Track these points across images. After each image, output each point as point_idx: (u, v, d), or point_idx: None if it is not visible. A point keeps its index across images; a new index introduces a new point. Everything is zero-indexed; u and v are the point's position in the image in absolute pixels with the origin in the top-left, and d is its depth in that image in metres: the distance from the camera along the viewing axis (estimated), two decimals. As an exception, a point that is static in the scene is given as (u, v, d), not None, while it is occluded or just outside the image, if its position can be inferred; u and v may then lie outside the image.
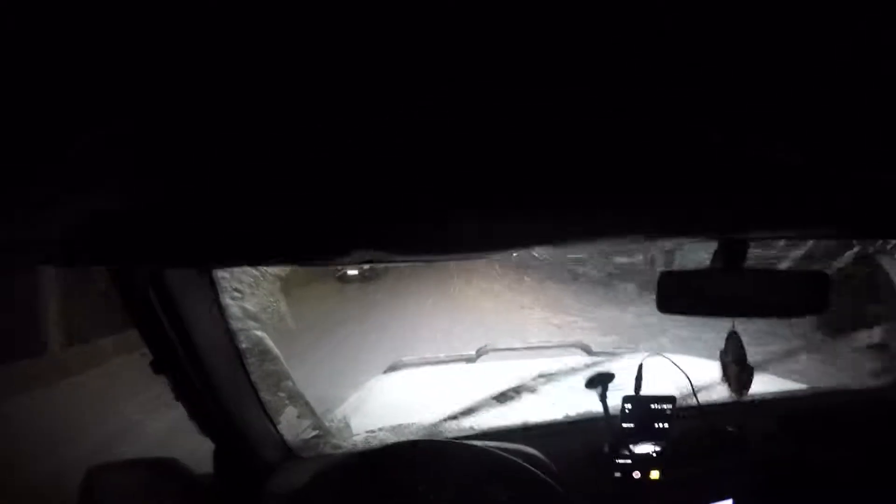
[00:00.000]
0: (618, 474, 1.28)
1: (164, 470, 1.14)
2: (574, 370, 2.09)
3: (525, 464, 1.14)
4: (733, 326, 1.32)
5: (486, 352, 2.30)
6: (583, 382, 1.88)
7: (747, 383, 1.32)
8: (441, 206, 0.46)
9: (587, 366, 2.05)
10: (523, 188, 0.46)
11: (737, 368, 1.31)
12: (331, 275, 14.95)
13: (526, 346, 2.41)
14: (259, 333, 1.16)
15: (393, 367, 2.29)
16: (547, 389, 1.90)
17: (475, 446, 1.19)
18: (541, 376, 2.10)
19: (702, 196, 0.90)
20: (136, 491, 1.11)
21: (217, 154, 0.37)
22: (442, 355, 2.33)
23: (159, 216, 0.47)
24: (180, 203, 0.45)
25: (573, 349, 2.38)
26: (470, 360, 2.28)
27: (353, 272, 14.67)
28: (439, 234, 0.54)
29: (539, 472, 1.13)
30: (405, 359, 2.31)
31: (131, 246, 0.55)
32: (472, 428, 1.48)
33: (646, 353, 1.46)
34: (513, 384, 1.99)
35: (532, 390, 1.88)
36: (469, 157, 0.40)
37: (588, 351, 2.35)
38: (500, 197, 0.47)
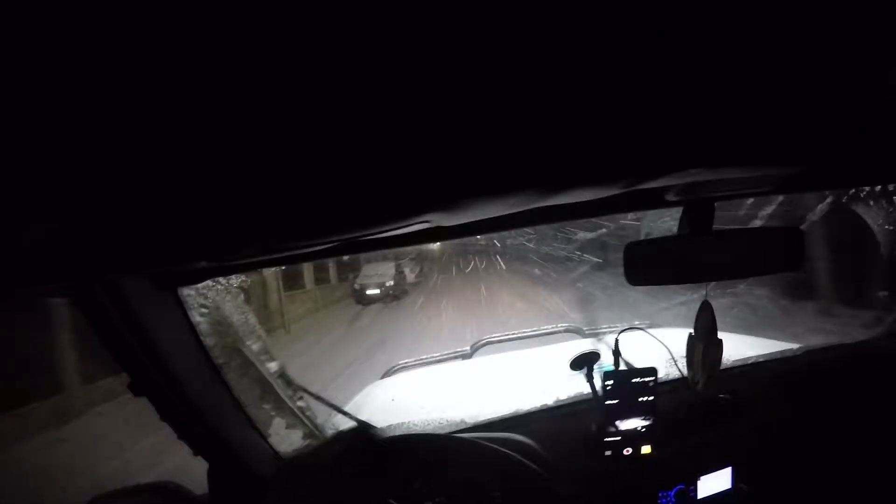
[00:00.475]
0: (608, 452, 1.28)
1: (163, 494, 1.15)
2: (568, 355, 2.09)
3: (510, 452, 1.14)
4: (706, 296, 1.31)
5: (481, 345, 2.30)
6: (563, 368, 1.89)
7: (717, 361, 1.31)
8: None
9: (581, 348, 2.05)
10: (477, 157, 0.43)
11: (703, 345, 1.29)
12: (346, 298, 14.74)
13: (519, 335, 2.40)
14: (233, 345, 1.16)
15: (389, 372, 2.29)
16: (541, 377, 1.90)
17: (459, 437, 1.19)
18: (535, 364, 2.10)
19: (659, 159, 0.89)
20: None
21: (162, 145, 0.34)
22: (437, 355, 2.33)
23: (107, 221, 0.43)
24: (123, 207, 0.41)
25: (567, 333, 2.38)
26: (466, 356, 2.28)
27: (373, 291, 14.00)
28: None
29: (524, 459, 1.13)
30: (402, 362, 2.31)
31: (80, 258, 0.53)
32: (464, 422, 1.48)
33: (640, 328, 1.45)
34: (508, 375, 2.00)
35: (527, 379, 1.89)
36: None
37: (581, 333, 2.34)
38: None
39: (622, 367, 1.35)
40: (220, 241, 0.49)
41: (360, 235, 0.52)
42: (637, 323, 2.37)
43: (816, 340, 1.82)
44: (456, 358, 2.29)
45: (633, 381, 1.26)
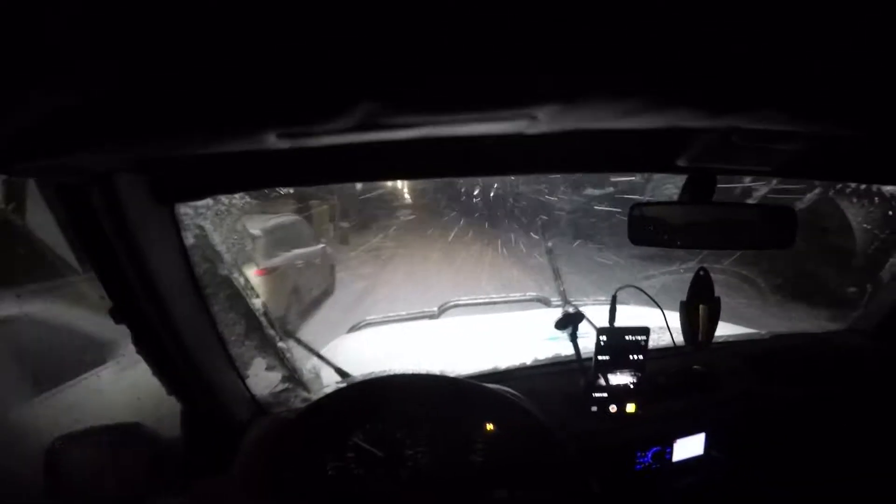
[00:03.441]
0: (594, 408, 1.29)
1: (130, 436, 1.07)
2: (534, 322, 2.11)
3: (509, 394, 1.13)
4: (701, 264, 1.35)
5: (449, 307, 2.29)
6: (544, 333, 1.91)
7: (715, 320, 1.34)
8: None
9: (547, 317, 2.08)
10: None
11: (707, 308, 1.33)
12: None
13: (487, 300, 2.41)
14: (224, 274, 1.08)
15: (356, 327, 2.25)
16: (510, 340, 1.91)
17: (454, 378, 1.17)
18: (503, 329, 2.12)
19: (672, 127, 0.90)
20: (102, 459, 1.04)
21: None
22: (404, 313, 2.31)
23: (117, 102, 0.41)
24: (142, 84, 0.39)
25: (533, 303, 2.40)
26: (432, 316, 2.27)
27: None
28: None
29: (524, 402, 1.12)
30: (368, 318, 2.27)
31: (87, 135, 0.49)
32: (442, 374, 1.46)
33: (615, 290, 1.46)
34: (476, 337, 2.00)
35: (495, 342, 1.89)
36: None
37: (547, 303, 2.38)
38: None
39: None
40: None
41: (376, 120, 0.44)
42: (600, 298, 2.44)
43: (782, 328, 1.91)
44: (423, 318, 2.27)
45: (626, 338, 1.28)
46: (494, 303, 2.40)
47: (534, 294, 2.41)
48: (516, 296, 2.42)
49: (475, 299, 2.43)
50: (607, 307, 1.40)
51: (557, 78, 0.39)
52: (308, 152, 0.78)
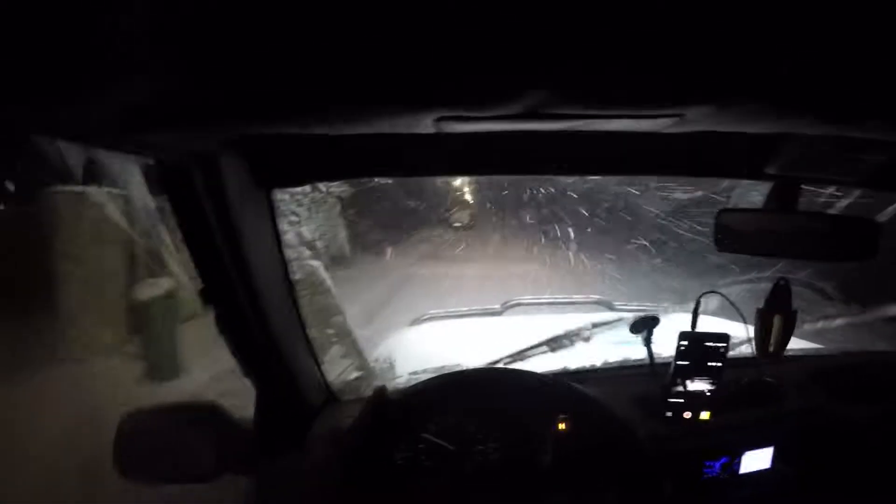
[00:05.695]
0: (669, 414, 1.27)
1: (202, 414, 1.10)
2: (598, 324, 2.08)
3: (591, 395, 1.12)
4: (781, 275, 1.32)
5: (512, 305, 2.28)
6: (608, 336, 1.88)
7: (789, 332, 1.30)
8: None
9: (611, 320, 2.05)
10: None
11: (782, 319, 1.29)
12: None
13: (550, 300, 2.39)
14: (313, 263, 1.11)
15: (418, 320, 2.26)
16: (575, 342, 1.89)
17: (538, 374, 1.16)
18: (567, 330, 2.09)
19: (761, 135, 0.89)
20: (173, 435, 1.07)
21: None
22: (466, 309, 2.31)
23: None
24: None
25: (596, 305, 2.37)
26: (495, 313, 2.26)
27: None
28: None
29: (605, 405, 1.11)
30: (431, 312, 2.29)
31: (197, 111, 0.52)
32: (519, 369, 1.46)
33: (700, 295, 1.43)
34: (541, 337, 1.98)
35: (561, 342, 1.88)
36: None
37: (610, 307, 2.34)
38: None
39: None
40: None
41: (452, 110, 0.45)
42: (665, 305, 2.38)
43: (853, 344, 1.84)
44: (485, 314, 2.27)
45: (707, 344, 1.24)
46: (558, 303, 2.38)
47: (597, 297, 2.38)
48: (579, 297, 2.39)
49: (538, 299, 2.42)
50: (675, 314, 1.37)
51: (718, 82, 0.39)
52: (427, 141, 0.79)
